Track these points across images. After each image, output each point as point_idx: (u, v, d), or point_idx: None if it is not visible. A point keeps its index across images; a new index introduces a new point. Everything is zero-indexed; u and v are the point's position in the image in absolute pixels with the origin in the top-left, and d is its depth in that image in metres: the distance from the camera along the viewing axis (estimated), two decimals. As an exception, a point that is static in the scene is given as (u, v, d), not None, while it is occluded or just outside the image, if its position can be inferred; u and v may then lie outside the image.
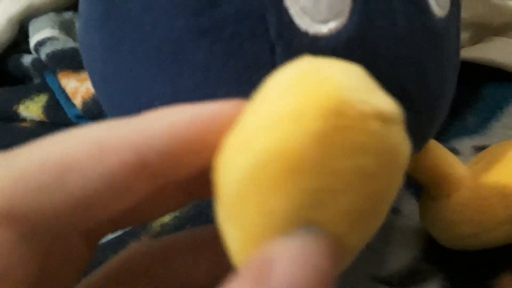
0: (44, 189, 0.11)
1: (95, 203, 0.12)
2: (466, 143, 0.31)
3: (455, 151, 0.31)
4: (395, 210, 0.27)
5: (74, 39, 0.42)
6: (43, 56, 0.40)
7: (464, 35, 0.36)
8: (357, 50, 0.16)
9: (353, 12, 0.16)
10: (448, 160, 0.23)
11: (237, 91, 0.16)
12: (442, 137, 0.31)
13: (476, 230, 0.21)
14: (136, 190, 0.12)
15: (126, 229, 0.27)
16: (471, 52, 0.34)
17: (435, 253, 0.24)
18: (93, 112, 0.35)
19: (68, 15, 0.46)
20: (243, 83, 0.16)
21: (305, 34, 0.16)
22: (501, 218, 0.21)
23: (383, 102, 0.10)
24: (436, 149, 0.23)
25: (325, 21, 0.16)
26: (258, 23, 0.15)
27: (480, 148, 0.30)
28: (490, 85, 0.34)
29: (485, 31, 0.36)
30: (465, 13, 0.35)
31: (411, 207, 0.26)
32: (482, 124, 0.32)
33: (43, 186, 0.11)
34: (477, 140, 0.31)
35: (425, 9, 0.18)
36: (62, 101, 0.38)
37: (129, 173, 0.11)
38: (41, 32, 0.42)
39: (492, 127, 0.31)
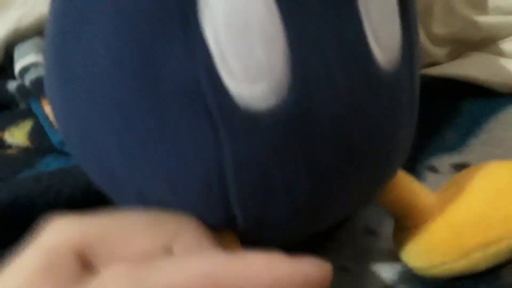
0: None
1: None
2: (445, 161, 0.31)
3: (433, 169, 0.31)
4: (372, 232, 0.27)
5: (59, 64, 0.42)
6: (27, 82, 0.40)
7: (443, 51, 0.36)
8: (299, 122, 0.16)
9: (293, 86, 0.16)
10: (415, 191, 0.23)
11: (179, 166, 0.17)
12: (421, 155, 0.32)
13: (445, 260, 0.21)
14: None
15: None
16: (449, 69, 0.35)
17: (412, 275, 0.24)
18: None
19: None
20: (187, 159, 0.16)
21: (244, 111, 0.16)
22: (468, 247, 0.21)
23: None
24: (402, 181, 0.23)
25: (265, 100, 0.16)
26: (199, 102, 0.16)
27: (458, 166, 0.31)
28: (469, 101, 0.34)
29: (464, 46, 0.36)
30: (443, 29, 0.36)
31: (388, 229, 0.26)
32: (461, 141, 0.32)
33: None
34: (456, 158, 0.31)
35: (369, 67, 0.17)
36: (46, 127, 0.38)
37: None
38: (25, 58, 0.42)
39: (470, 144, 0.32)
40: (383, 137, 0.18)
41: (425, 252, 0.22)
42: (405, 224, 0.23)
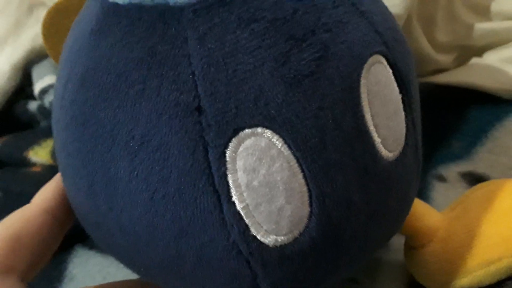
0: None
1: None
2: (452, 170, 0.32)
3: (441, 178, 0.32)
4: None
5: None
6: (47, 104, 0.42)
7: (448, 57, 0.37)
8: (321, 242, 0.17)
9: (311, 214, 0.17)
10: (420, 214, 0.24)
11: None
12: (429, 164, 0.33)
13: (449, 278, 0.23)
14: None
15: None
16: (455, 76, 0.35)
17: (422, 287, 0.26)
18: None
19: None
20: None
21: (273, 248, 0.17)
22: (470, 266, 0.22)
23: None
24: None
25: (288, 233, 0.17)
26: (230, 248, 0.17)
27: (466, 174, 0.31)
28: (475, 108, 0.35)
29: (469, 52, 0.37)
30: (447, 37, 0.36)
31: (398, 242, 0.27)
32: (467, 149, 0.33)
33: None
34: (463, 166, 0.32)
35: (379, 171, 0.18)
36: (67, 146, 0.40)
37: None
38: (44, 79, 0.44)
39: (477, 152, 0.32)
40: (395, 212, 0.20)
41: (430, 271, 0.23)
42: (412, 244, 0.24)
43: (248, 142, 0.16)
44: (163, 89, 0.16)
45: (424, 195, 0.31)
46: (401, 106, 0.19)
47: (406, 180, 0.19)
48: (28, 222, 0.20)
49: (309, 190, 0.17)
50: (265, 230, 0.17)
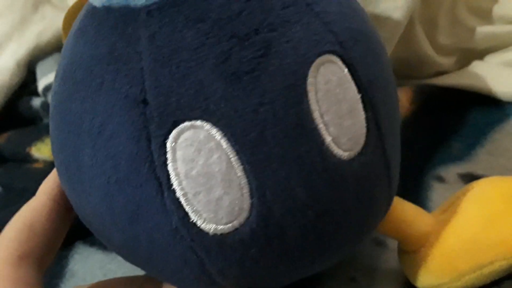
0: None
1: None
2: (451, 171, 0.32)
3: (441, 179, 0.32)
4: (381, 244, 0.28)
5: (79, 80, 0.44)
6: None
7: (450, 60, 0.37)
8: (262, 234, 0.18)
9: (252, 206, 0.18)
10: (409, 220, 0.24)
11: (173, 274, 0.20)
12: (428, 165, 0.33)
13: (441, 281, 0.23)
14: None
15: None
16: (455, 78, 0.35)
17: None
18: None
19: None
20: (178, 272, 0.19)
21: (214, 236, 0.18)
22: (462, 271, 0.22)
23: None
24: (397, 211, 0.24)
25: (227, 223, 0.18)
26: (174, 234, 0.18)
27: (465, 176, 0.32)
28: (475, 110, 0.35)
29: (470, 55, 0.37)
30: (449, 39, 0.36)
31: (396, 242, 0.27)
32: (467, 150, 0.33)
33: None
34: (463, 167, 0.32)
35: (328, 168, 0.18)
36: (70, 143, 0.40)
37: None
38: (48, 76, 0.44)
39: (476, 153, 0.33)
40: (357, 215, 0.19)
41: (423, 275, 0.23)
42: (405, 248, 0.25)
43: (187, 134, 0.17)
44: (117, 82, 0.18)
45: (423, 196, 0.31)
46: (360, 105, 0.19)
47: (367, 181, 0.19)
48: (37, 211, 0.21)
49: (249, 183, 0.17)
50: (204, 218, 0.18)
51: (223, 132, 0.17)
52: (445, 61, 0.36)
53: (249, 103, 0.17)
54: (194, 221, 0.18)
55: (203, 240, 0.18)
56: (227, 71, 0.17)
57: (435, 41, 0.35)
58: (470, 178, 0.31)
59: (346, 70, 0.19)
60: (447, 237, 0.23)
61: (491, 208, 0.23)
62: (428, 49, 0.35)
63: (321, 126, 0.18)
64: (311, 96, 0.18)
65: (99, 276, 0.31)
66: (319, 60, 0.18)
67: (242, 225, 0.18)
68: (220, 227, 0.18)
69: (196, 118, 0.17)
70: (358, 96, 0.19)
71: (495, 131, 0.33)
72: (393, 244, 0.28)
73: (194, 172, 0.17)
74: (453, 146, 0.34)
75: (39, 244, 0.20)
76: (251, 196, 0.17)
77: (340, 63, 0.19)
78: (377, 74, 0.20)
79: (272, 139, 0.17)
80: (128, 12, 0.19)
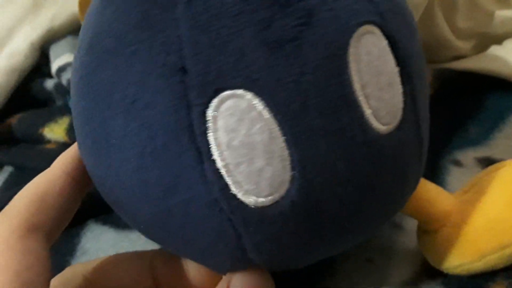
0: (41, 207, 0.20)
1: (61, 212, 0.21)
2: (469, 155, 0.32)
3: (458, 163, 0.31)
4: (397, 226, 0.28)
5: (92, 62, 0.44)
6: (64, 81, 0.42)
7: (468, 44, 0.37)
8: (302, 207, 0.17)
9: (293, 179, 0.17)
10: (432, 198, 0.24)
11: (206, 249, 0.19)
12: (445, 149, 0.32)
13: (462, 262, 0.23)
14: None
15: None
16: (473, 63, 0.35)
17: (434, 270, 0.25)
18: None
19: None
20: (213, 247, 0.19)
21: (254, 209, 0.17)
22: (484, 251, 0.22)
23: None
24: (419, 189, 0.23)
25: (268, 195, 0.17)
26: (213, 206, 0.18)
27: (482, 160, 0.31)
28: (493, 95, 0.35)
29: (488, 39, 0.37)
30: (467, 23, 0.36)
31: (413, 223, 0.27)
32: (485, 135, 0.32)
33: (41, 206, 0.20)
34: (480, 151, 0.32)
35: (367, 141, 0.18)
36: (83, 124, 0.40)
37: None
38: (61, 58, 0.44)
39: (494, 137, 0.32)
40: (391, 190, 0.19)
41: (444, 255, 0.23)
42: (425, 228, 0.24)
43: (229, 102, 0.17)
44: (153, 50, 0.17)
45: (439, 179, 0.30)
46: (398, 79, 0.18)
47: (402, 156, 0.19)
48: (51, 183, 0.21)
49: (291, 155, 0.17)
50: (246, 190, 0.17)
51: (265, 102, 0.17)
52: (464, 45, 0.35)
53: (291, 72, 0.17)
54: (235, 192, 0.17)
55: (243, 213, 0.17)
56: (268, 39, 0.17)
57: (454, 24, 0.35)
58: (487, 162, 0.31)
59: (386, 41, 0.18)
60: (469, 217, 0.22)
61: None
62: (447, 32, 0.34)
63: (361, 98, 0.17)
64: (353, 67, 0.17)
65: (111, 254, 0.31)
66: (360, 30, 0.18)
67: (282, 198, 0.17)
68: (261, 199, 0.17)
69: (238, 87, 0.17)
70: (397, 69, 0.18)
71: (514, 115, 0.33)
72: (410, 226, 0.28)
73: (235, 142, 0.17)
74: (471, 130, 0.33)
75: (50, 217, 0.20)
76: (292, 168, 0.17)
77: (380, 34, 0.18)
78: (414, 48, 0.20)
79: (314, 110, 0.17)
80: None
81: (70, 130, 0.42)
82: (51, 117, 0.42)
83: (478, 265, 0.23)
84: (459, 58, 0.36)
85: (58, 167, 0.21)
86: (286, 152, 0.17)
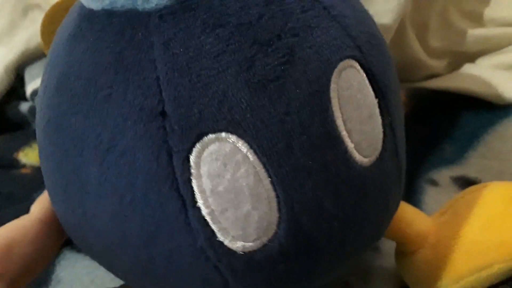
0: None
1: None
2: (444, 174, 0.32)
3: (434, 183, 0.32)
4: (374, 248, 0.28)
5: (68, 84, 0.44)
6: (38, 105, 0.42)
7: (441, 63, 0.37)
8: (291, 248, 0.17)
9: (280, 220, 0.17)
10: (409, 221, 0.24)
11: None
12: (421, 168, 0.33)
13: (439, 284, 0.22)
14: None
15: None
16: (447, 81, 0.35)
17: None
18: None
19: (61, 59, 0.47)
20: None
21: (242, 254, 0.17)
22: (461, 272, 0.22)
23: None
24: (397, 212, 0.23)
25: (256, 239, 0.17)
26: (198, 254, 0.17)
27: (457, 179, 0.31)
28: (467, 113, 0.35)
29: (462, 58, 0.37)
30: (440, 42, 0.36)
31: (390, 245, 0.27)
32: (460, 153, 0.33)
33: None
34: (455, 170, 0.32)
35: (353, 175, 0.18)
36: (58, 148, 0.40)
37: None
38: (36, 81, 0.44)
39: (469, 156, 0.32)
40: (374, 219, 0.19)
41: (421, 277, 0.23)
42: (403, 250, 0.24)
43: (212, 147, 0.16)
44: (129, 93, 0.16)
45: (416, 199, 0.31)
46: (377, 110, 0.18)
47: (384, 186, 0.19)
48: (23, 230, 0.20)
49: (277, 196, 0.16)
50: (232, 236, 0.17)
51: (249, 144, 0.16)
52: (437, 64, 0.36)
53: (275, 112, 0.16)
54: (221, 239, 0.17)
55: (230, 259, 0.17)
56: (251, 79, 0.16)
57: (427, 44, 0.35)
58: (463, 181, 0.31)
59: (364, 74, 0.18)
60: (446, 238, 0.22)
61: (490, 210, 0.23)
62: (419, 52, 0.35)
63: (344, 133, 0.17)
64: (334, 102, 0.17)
65: (86, 283, 0.30)
66: (340, 66, 0.17)
67: (270, 241, 0.17)
68: (249, 244, 0.17)
69: (221, 130, 0.16)
70: (376, 101, 0.18)
71: (487, 133, 0.33)
72: (387, 248, 0.28)
73: (220, 188, 0.16)
74: (446, 149, 0.33)
75: (16, 266, 0.19)
76: (279, 209, 0.17)
77: (358, 67, 0.18)
78: (391, 78, 0.20)
79: (299, 149, 0.16)
80: (135, 17, 0.17)
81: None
82: (25, 141, 0.42)
83: (455, 287, 0.22)
84: (433, 77, 0.37)
85: (33, 213, 0.21)
86: (272, 194, 0.16)
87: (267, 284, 0.18)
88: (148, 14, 0.17)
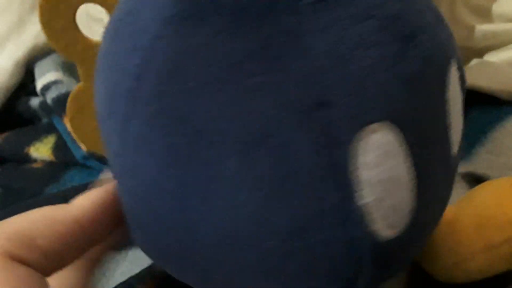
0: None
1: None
2: (452, 170, 0.32)
3: (441, 178, 0.32)
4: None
5: (77, 80, 0.44)
6: (49, 100, 0.42)
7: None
8: (417, 233, 0.19)
9: (413, 210, 0.18)
10: None
11: None
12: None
13: (456, 260, 0.23)
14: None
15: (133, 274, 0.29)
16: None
17: (420, 285, 0.26)
18: (97, 153, 0.37)
19: (70, 55, 0.48)
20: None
21: (386, 243, 0.17)
22: (476, 247, 0.23)
23: None
24: None
25: (400, 227, 0.18)
26: (348, 246, 0.17)
27: (466, 175, 0.32)
28: (475, 109, 0.35)
29: (470, 53, 0.37)
30: (449, 38, 0.36)
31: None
32: (467, 149, 0.33)
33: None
34: (463, 167, 0.32)
35: (451, 161, 0.19)
36: (68, 143, 0.40)
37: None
38: (46, 76, 0.44)
39: (476, 152, 0.32)
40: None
41: (438, 253, 0.24)
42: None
43: (373, 137, 0.16)
44: (284, 83, 0.16)
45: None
46: (462, 106, 0.20)
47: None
48: (53, 224, 0.18)
49: (418, 186, 0.17)
50: (384, 225, 0.17)
51: (404, 135, 0.17)
52: (445, 60, 0.36)
53: (425, 105, 0.17)
54: (376, 229, 0.17)
55: (379, 250, 0.17)
56: (404, 72, 0.17)
57: (435, 40, 0.35)
58: (470, 177, 0.31)
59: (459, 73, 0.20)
60: (463, 214, 0.23)
61: (502, 189, 0.23)
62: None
63: (450, 129, 0.19)
64: (448, 99, 0.19)
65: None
66: (452, 63, 0.19)
67: (404, 231, 0.18)
68: (393, 231, 0.17)
69: (380, 120, 0.16)
70: (461, 97, 0.20)
71: (495, 130, 0.33)
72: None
73: (380, 177, 0.16)
74: (453, 145, 0.33)
75: (38, 258, 0.17)
76: (418, 197, 0.18)
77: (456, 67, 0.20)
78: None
79: (435, 142, 0.18)
80: (280, 1, 0.16)
81: (56, 149, 0.41)
82: (36, 136, 0.42)
83: (472, 265, 0.23)
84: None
85: (70, 209, 0.19)
86: (416, 183, 0.17)
87: (389, 269, 0.18)
88: (295, 0, 0.16)
